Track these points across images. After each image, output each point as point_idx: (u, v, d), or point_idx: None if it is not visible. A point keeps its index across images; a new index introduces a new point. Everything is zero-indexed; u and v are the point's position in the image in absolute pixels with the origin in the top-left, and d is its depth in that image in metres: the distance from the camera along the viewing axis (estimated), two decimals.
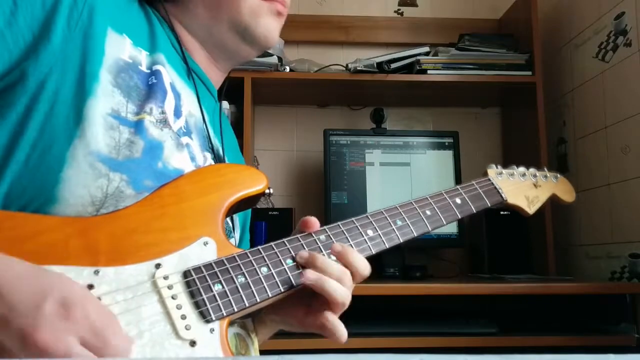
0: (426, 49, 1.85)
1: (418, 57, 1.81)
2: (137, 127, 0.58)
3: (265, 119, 2.02)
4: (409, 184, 1.80)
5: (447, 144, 1.85)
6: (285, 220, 1.70)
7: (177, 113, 0.66)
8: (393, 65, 1.79)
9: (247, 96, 1.74)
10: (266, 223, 1.63)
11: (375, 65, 1.78)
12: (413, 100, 2.02)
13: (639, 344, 1.36)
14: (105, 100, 0.57)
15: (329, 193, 1.76)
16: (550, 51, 1.96)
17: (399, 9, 2.14)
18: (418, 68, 1.80)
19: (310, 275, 0.57)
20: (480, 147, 2.04)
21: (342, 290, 0.58)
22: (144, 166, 0.57)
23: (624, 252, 1.56)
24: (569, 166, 1.84)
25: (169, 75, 0.66)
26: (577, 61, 1.83)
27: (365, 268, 0.61)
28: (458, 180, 1.81)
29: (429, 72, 1.79)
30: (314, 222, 0.63)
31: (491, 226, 1.72)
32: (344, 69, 1.88)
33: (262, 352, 0.71)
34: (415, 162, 1.82)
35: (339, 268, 0.59)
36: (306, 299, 0.62)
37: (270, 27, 0.72)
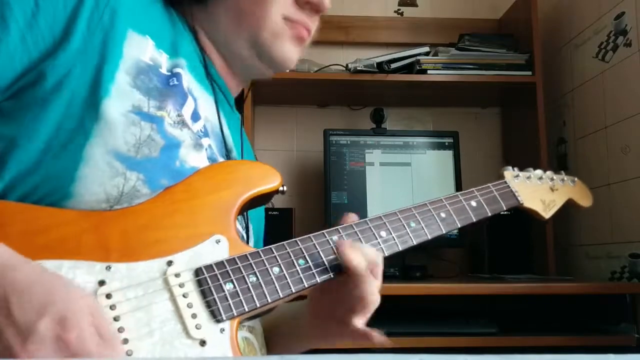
0: (426, 49, 1.85)
1: (418, 57, 1.81)
2: (158, 123, 0.58)
3: (265, 119, 2.02)
4: (409, 184, 1.80)
5: (447, 144, 1.85)
6: (285, 220, 1.70)
7: (195, 117, 0.65)
8: (393, 65, 1.79)
9: (247, 96, 1.74)
10: (266, 223, 1.63)
11: (375, 65, 1.78)
12: (413, 100, 2.02)
13: (639, 344, 1.36)
14: (125, 99, 0.56)
15: (329, 193, 1.76)
16: (550, 51, 1.96)
17: (399, 9, 2.14)
18: (418, 68, 1.80)
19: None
20: (480, 147, 2.04)
21: (362, 264, 0.59)
22: (161, 165, 0.57)
23: (624, 252, 1.56)
24: (569, 166, 1.84)
25: (188, 79, 0.65)
26: (577, 61, 1.83)
27: (375, 254, 0.62)
28: (458, 180, 1.81)
29: (429, 72, 1.79)
30: (351, 216, 0.65)
31: (491, 226, 1.72)
32: (344, 69, 1.88)
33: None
34: (415, 162, 1.82)
35: (373, 250, 0.61)
36: (328, 308, 0.64)
37: (288, 52, 0.71)
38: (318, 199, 1.86)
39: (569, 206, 0.86)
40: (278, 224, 1.66)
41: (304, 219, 1.88)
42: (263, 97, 1.92)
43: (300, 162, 2.02)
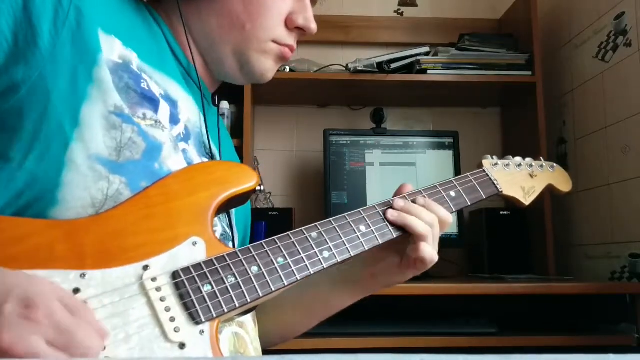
0: (426, 49, 1.85)
1: (418, 57, 1.81)
2: (139, 125, 0.58)
3: (265, 119, 2.02)
4: (409, 184, 1.79)
5: (447, 144, 1.85)
6: (285, 220, 1.70)
7: (175, 120, 0.64)
8: (393, 65, 1.79)
9: (247, 96, 1.74)
10: (266, 223, 1.63)
11: (375, 65, 1.78)
12: (413, 100, 2.02)
13: (639, 344, 1.36)
14: (104, 100, 0.55)
15: (329, 193, 1.76)
16: (550, 51, 1.96)
17: (399, 9, 2.14)
18: (418, 68, 1.80)
19: (391, 213, 0.69)
20: (480, 147, 2.04)
21: (422, 225, 0.68)
22: (141, 168, 0.57)
23: (624, 252, 1.56)
24: (569, 166, 1.84)
25: (163, 80, 0.64)
26: (577, 61, 1.83)
27: (446, 215, 0.71)
28: None
29: (429, 72, 1.79)
30: (407, 186, 0.76)
31: (491, 226, 1.72)
32: (344, 69, 1.88)
33: (264, 352, 0.71)
34: (415, 162, 1.82)
35: (430, 215, 0.70)
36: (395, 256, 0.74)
37: (270, 69, 0.73)
38: (318, 199, 1.87)
39: (550, 192, 0.87)
40: (278, 224, 1.65)
41: (304, 219, 1.88)
42: (263, 97, 1.92)
43: (300, 162, 2.02)
